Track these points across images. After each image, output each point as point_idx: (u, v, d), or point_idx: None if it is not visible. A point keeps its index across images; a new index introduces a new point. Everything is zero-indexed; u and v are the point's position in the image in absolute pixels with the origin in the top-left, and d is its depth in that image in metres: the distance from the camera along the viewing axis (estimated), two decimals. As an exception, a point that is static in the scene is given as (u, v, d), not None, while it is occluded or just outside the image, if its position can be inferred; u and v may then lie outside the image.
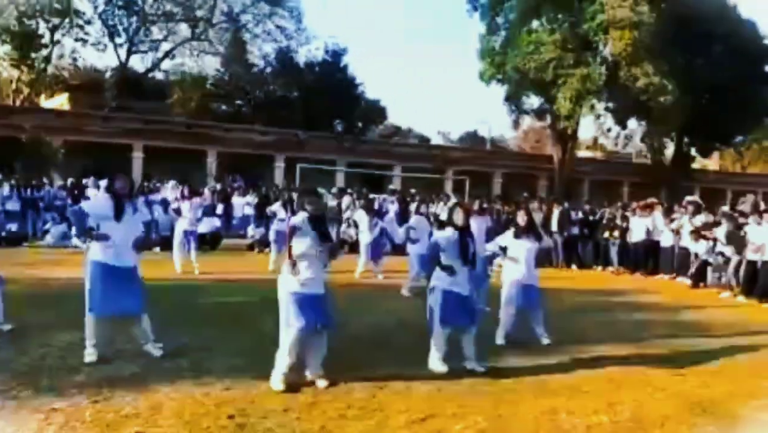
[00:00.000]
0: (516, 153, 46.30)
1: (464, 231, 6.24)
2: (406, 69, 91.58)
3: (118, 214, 5.85)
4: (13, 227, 16.10)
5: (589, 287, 13.16)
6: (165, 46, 39.78)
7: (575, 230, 16.34)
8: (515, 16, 31.93)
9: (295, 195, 22.90)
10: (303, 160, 28.72)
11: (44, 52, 32.21)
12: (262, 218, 16.87)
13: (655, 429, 4.90)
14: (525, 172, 37.17)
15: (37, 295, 8.74)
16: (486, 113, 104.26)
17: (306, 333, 5.20)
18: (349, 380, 5.44)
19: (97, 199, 7.61)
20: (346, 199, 19.06)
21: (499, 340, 7.32)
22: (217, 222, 17.69)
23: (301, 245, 5.27)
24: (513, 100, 33.25)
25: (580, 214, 16.89)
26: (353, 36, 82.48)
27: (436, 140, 49.05)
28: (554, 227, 15.94)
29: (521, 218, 7.72)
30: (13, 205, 16.95)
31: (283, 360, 5.21)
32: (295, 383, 5.23)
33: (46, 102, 37.39)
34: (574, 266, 15.99)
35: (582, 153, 43.00)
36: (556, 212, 16.35)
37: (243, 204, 20.04)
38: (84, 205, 6.22)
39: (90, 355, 5.64)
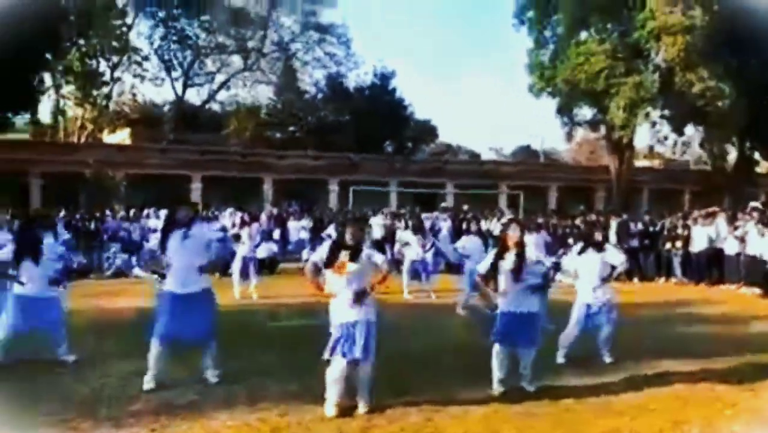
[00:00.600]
0: (571, 165, 45.55)
1: (518, 249, 6.14)
2: (456, 87, 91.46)
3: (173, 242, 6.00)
4: (80, 259, 16.64)
5: (652, 299, 12.74)
6: (219, 78, 40.98)
7: (635, 242, 15.88)
8: (563, 28, 31.63)
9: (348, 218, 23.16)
10: (355, 182, 29.01)
11: (105, 89, 33.48)
12: (317, 241, 17.01)
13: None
14: (581, 184, 36.53)
15: (98, 325, 8.95)
16: (537, 127, 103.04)
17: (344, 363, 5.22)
18: (404, 404, 5.38)
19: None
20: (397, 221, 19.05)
21: (560, 359, 7.15)
22: (274, 247, 17.91)
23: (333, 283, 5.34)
24: (565, 112, 32.80)
25: (640, 226, 16.42)
26: (401, 58, 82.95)
27: (488, 156, 48.72)
28: (612, 239, 15.53)
29: (597, 235, 7.58)
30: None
31: (329, 388, 5.23)
32: (350, 408, 5.22)
33: (108, 137, 38.84)
34: (635, 279, 15.53)
35: (639, 163, 41.98)
36: (614, 224, 15.95)
37: (299, 228, 20.26)
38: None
39: (148, 382, 5.75)
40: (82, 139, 35.12)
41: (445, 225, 18.80)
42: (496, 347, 6.00)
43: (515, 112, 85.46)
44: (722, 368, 6.89)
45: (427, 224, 18.49)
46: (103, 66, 33.58)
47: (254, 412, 5.18)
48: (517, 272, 6.03)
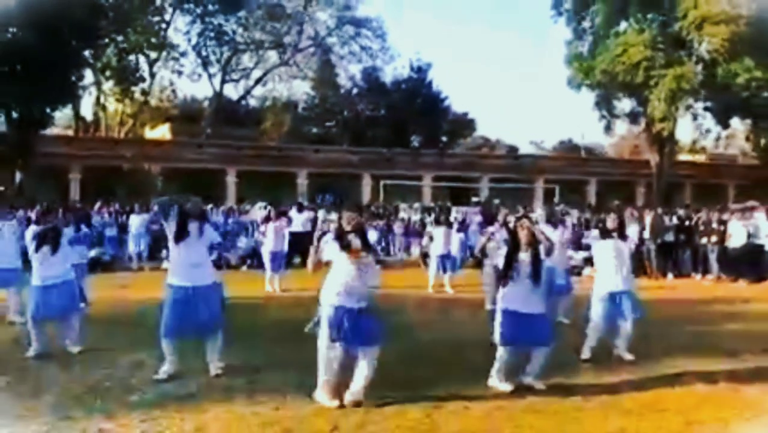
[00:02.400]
0: (610, 159, 44.65)
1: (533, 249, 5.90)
2: (495, 80, 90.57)
3: (180, 236, 5.94)
4: (110, 251, 16.93)
5: (683, 296, 12.35)
6: (255, 74, 41.23)
7: (670, 236, 15.38)
8: (601, 19, 30.92)
9: (377, 210, 23.13)
10: (389, 176, 28.96)
11: (143, 85, 34.02)
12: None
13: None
14: (621, 179, 35.77)
15: (115, 317, 9.00)
16: (579, 120, 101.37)
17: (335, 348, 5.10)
18: (404, 400, 5.24)
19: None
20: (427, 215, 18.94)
21: (585, 355, 6.87)
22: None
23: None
24: (603, 104, 32.12)
25: (675, 220, 15.92)
26: (440, 51, 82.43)
27: (528, 150, 48.04)
28: (647, 233, 15.10)
29: (611, 221, 7.27)
30: (111, 231, 17.84)
31: (320, 376, 5.13)
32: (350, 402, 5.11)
33: (149, 132, 39.54)
34: (670, 275, 15.05)
35: (683, 157, 40.92)
36: (648, 218, 15.48)
37: (329, 221, 20.24)
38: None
39: (162, 373, 5.77)
40: (122, 135, 35.81)
41: (475, 219, 18.58)
42: (501, 349, 5.80)
43: (557, 106, 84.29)
44: (749, 369, 6.56)
45: (459, 218, 18.35)
46: (142, 62, 34.12)
47: (250, 405, 5.09)
48: (536, 276, 5.77)
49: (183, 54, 36.15)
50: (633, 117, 32.75)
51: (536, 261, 5.79)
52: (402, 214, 22.52)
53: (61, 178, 26.53)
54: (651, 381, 6.03)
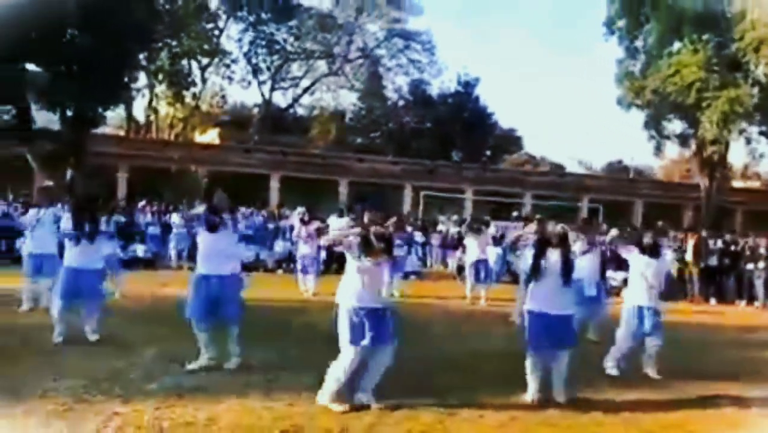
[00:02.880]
0: (658, 182, 43.65)
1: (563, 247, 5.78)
2: (544, 98, 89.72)
3: (210, 228, 6.06)
4: (153, 249, 17.27)
5: (725, 322, 11.97)
6: (304, 83, 41.73)
7: (714, 261, 14.95)
8: (654, 38, 30.32)
9: (415, 220, 23.07)
10: (430, 188, 28.89)
11: (195, 90, 34.76)
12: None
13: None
14: (669, 201, 34.96)
15: (149, 311, 9.16)
16: (629, 142, 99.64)
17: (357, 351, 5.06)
18: (419, 405, 5.17)
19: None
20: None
21: (612, 370, 6.73)
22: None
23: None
24: (653, 125, 31.43)
25: (720, 244, 15.46)
26: (489, 67, 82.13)
27: (575, 170, 47.32)
28: (689, 256, 14.71)
29: (646, 238, 7.13)
30: (154, 230, 18.22)
31: (331, 380, 5.09)
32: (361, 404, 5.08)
33: (199, 137, 40.36)
34: (713, 300, 14.61)
35: (736, 183, 39.80)
36: (691, 241, 15.07)
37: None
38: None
39: (193, 364, 5.88)
40: (172, 137, 36.61)
41: (513, 234, 18.34)
42: (531, 356, 5.68)
43: (608, 127, 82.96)
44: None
45: (497, 232, 18.17)
46: (194, 67, 34.86)
47: (265, 400, 5.09)
48: (566, 275, 5.65)
49: (234, 61, 36.90)
50: (683, 139, 31.95)
51: (566, 260, 5.66)
52: (440, 227, 22.41)
53: (109, 177, 27.23)
54: (678, 402, 5.86)
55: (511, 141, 46.54)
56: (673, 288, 15.15)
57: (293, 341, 7.45)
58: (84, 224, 7.04)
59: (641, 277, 6.82)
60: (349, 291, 5.13)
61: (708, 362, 7.78)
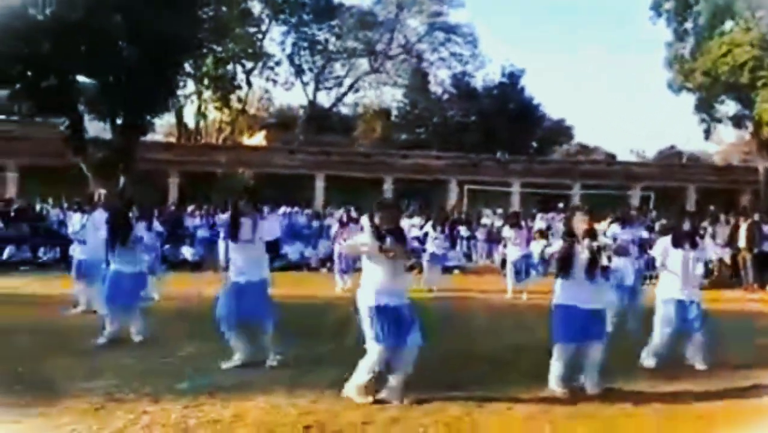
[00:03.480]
0: (712, 166, 42.28)
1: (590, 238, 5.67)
2: (595, 88, 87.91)
3: (234, 234, 6.15)
4: (201, 252, 17.67)
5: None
6: (347, 81, 41.93)
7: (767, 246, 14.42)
8: (705, 18, 29.39)
9: (459, 214, 22.96)
10: (476, 183, 28.67)
11: (240, 93, 35.36)
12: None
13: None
14: (723, 186, 33.83)
15: (189, 311, 9.27)
16: (682, 128, 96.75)
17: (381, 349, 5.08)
18: (447, 399, 5.17)
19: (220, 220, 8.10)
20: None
21: (649, 362, 6.58)
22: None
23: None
24: (704, 108, 30.48)
25: (775, 228, 14.91)
26: (536, 57, 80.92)
27: (628, 159, 46.21)
28: (742, 242, 14.23)
29: (684, 224, 6.94)
30: (202, 233, 18.63)
31: (359, 376, 5.14)
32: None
33: (247, 140, 41.05)
34: (768, 287, 14.10)
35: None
36: (743, 226, 14.56)
37: (409, 226, 20.24)
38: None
39: (227, 363, 6.06)
40: (220, 141, 37.33)
41: (559, 225, 18.09)
42: (559, 345, 5.63)
43: (661, 114, 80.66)
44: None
45: (543, 225, 17.95)
46: (239, 71, 35.42)
47: (292, 397, 5.17)
48: (590, 270, 5.57)
49: (278, 63, 37.30)
50: (737, 121, 30.90)
51: (593, 255, 5.55)
52: (485, 220, 22.25)
53: (160, 183, 27.93)
54: (716, 394, 5.68)
55: (561, 132, 45.79)
56: (725, 275, 14.74)
57: (324, 338, 7.49)
58: (119, 231, 7.24)
59: (677, 269, 6.64)
60: (368, 290, 5.16)
61: (753, 352, 7.46)
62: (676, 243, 6.75)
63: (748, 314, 10.79)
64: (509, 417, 4.93)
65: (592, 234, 5.66)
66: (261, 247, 6.33)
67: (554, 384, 5.55)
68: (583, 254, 5.56)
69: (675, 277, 6.63)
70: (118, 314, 7.21)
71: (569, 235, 5.73)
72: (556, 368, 5.59)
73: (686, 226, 6.87)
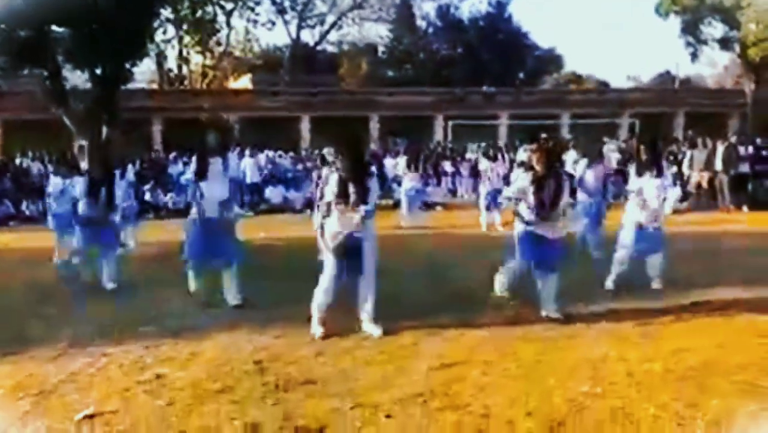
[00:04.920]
0: (703, 90, 41.94)
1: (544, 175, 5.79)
2: (586, 13, 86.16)
3: (203, 172, 6.19)
4: (187, 199, 17.71)
5: (752, 229, 11.71)
6: (330, 19, 41.04)
7: (745, 168, 14.48)
8: (691, -62, 28.67)
9: (444, 150, 22.89)
10: (462, 117, 28.50)
11: (220, 35, 34.67)
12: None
13: (716, 377, 4.26)
14: (712, 110, 33.63)
15: (162, 258, 9.23)
16: (674, 52, 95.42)
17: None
18: (402, 328, 5.33)
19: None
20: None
21: (609, 284, 6.79)
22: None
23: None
24: (690, 30, 30.01)
25: (751, 150, 14.94)
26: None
27: (624, 86, 45.62)
28: (718, 165, 14.30)
29: (642, 154, 7.05)
30: (185, 180, 18.63)
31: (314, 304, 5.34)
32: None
33: (233, 83, 40.41)
34: (744, 208, 14.21)
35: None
36: (720, 149, 14.58)
37: (393, 164, 20.24)
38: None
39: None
40: (204, 86, 36.83)
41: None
42: (514, 260, 6.05)
43: (654, 38, 79.29)
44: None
45: (526, 157, 17.90)
46: (219, 13, 34.52)
47: (254, 334, 5.30)
48: (553, 201, 5.73)
49: (258, 2, 36.31)
50: (724, 43, 30.46)
51: (556, 186, 5.72)
52: (468, 155, 22.19)
53: (144, 131, 27.78)
54: (664, 310, 5.86)
55: (551, 61, 45.11)
56: (702, 197, 14.84)
57: (296, 278, 7.56)
58: (96, 190, 7.25)
59: (640, 196, 6.75)
60: (331, 230, 5.29)
61: (714, 272, 7.53)
62: (638, 172, 6.89)
63: (720, 234, 10.93)
64: (456, 342, 5.09)
65: (551, 163, 5.83)
66: (230, 186, 6.33)
67: (498, 287, 6.25)
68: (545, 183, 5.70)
69: (638, 203, 6.76)
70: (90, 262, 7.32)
71: (530, 167, 5.89)
72: (502, 274, 6.21)
73: (646, 155, 6.98)
